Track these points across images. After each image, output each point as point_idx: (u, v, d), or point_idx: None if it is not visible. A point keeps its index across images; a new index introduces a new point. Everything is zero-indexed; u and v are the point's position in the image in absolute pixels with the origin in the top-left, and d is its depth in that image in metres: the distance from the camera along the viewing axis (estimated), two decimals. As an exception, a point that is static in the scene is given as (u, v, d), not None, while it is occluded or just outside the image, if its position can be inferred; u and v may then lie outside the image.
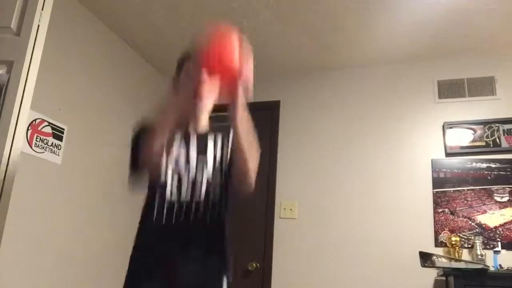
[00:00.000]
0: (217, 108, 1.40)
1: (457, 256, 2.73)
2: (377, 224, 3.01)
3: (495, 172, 2.90)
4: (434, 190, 2.98)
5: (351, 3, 2.66)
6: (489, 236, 2.79)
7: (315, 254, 3.11)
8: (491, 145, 2.96)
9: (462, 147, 3.02)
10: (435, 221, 2.92)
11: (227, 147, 1.46)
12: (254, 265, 3.22)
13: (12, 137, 1.68)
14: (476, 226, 2.84)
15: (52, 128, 2.55)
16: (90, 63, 2.90)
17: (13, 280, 2.28)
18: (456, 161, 3.00)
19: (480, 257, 2.66)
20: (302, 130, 3.44)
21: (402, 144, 3.17)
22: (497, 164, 2.91)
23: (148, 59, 3.52)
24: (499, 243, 2.73)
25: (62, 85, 2.65)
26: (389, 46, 3.13)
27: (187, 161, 1.40)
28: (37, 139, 2.44)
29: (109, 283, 3.02)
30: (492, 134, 2.97)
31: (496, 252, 2.67)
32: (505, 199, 2.84)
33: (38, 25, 1.81)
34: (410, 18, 2.79)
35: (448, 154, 3.04)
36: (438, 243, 2.87)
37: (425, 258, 2.58)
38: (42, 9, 1.84)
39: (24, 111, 1.74)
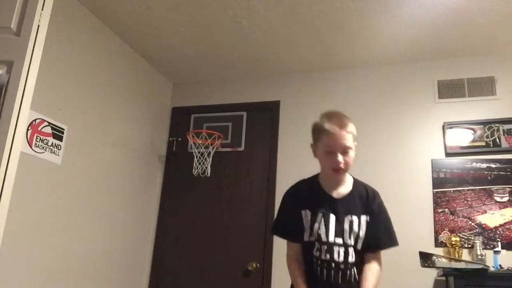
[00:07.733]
0: None
1: (457, 256, 2.73)
2: (377, 224, 3.01)
3: (495, 172, 2.90)
4: (434, 190, 2.98)
5: (351, 3, 2.66)
6: (489, 236, 2.80)
7: (315, 254, 3.10)
8: (491, 145, 2.96)
9: (462, 147, 3.02)
10: (435, 221, 2.93)
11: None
12: (254, 265, 3.22)
13: (12, 137, 1.68)
14: (476, 226, 2.84)
15: (52, 128, 2.55)
16: (90, 63, 2.90)
17: (13, 280, 2.28)
18: (456, 161, 3.00)
19: (480, 257, 2.66)
20: (302, 130, 3.42)
21: (402, 144, 3.17)
22: (497, 164, 2.91)
23: (148, 59, 3.52)
24: (499, 243, 2.74)
25: (62, 85, 2.65)
26: (389, 46, 3.13)
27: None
28: (37, 139, 2.44)
29: (108, 284, 3.02)
30: (492, 134, 2.97)
31: (496, 252, 2.67)
32: (505, 199, 2.84)
33: (38, 25, 1.81)
34: (410, 18, 2.79)
35: (448, 154, 3.04)
36: (438, 243, 2.88)
37: (425, 258, 2.58)
38: (42, 9, 1.84)
39: (24, 111, 1.73)
